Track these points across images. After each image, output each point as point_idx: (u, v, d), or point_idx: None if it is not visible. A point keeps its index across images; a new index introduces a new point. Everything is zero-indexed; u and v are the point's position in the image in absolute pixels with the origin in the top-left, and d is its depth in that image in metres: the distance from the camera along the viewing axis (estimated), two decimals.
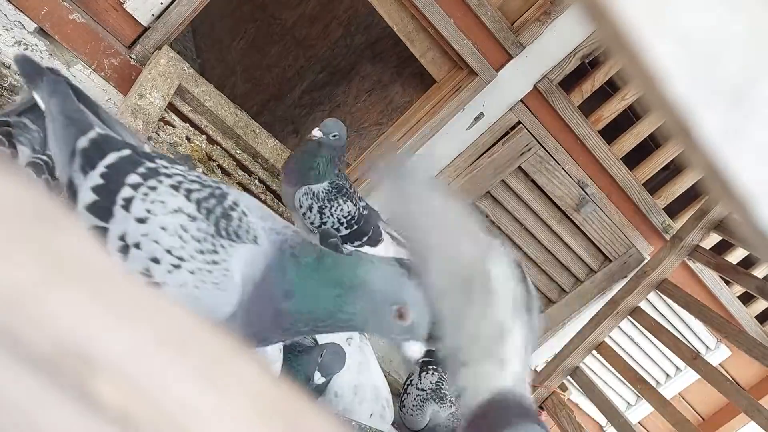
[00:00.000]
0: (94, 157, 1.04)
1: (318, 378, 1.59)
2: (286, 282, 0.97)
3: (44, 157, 1.31)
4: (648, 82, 0.26)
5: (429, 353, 2.26)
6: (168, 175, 1.04)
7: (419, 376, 2.15)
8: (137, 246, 0.99)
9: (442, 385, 2.10)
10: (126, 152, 1.06)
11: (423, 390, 2.09)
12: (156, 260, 0.98)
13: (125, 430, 0.23)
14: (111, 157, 1.04)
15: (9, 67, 1.98)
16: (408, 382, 2.18)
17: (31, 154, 1.31)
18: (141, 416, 0.23)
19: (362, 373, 1.70)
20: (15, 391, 0.22)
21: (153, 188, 1.02)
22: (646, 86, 0.26)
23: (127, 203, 1.00)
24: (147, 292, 0.28)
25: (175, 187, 1.03)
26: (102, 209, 1.02)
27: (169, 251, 0.98)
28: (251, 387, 0.29)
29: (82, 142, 1.05)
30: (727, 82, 0.25)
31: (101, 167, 1.03)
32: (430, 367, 2.18)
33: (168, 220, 0.99)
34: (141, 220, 0.99)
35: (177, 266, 0.98)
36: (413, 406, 2.07)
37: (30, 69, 1.13)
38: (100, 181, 1.03)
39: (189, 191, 1.03)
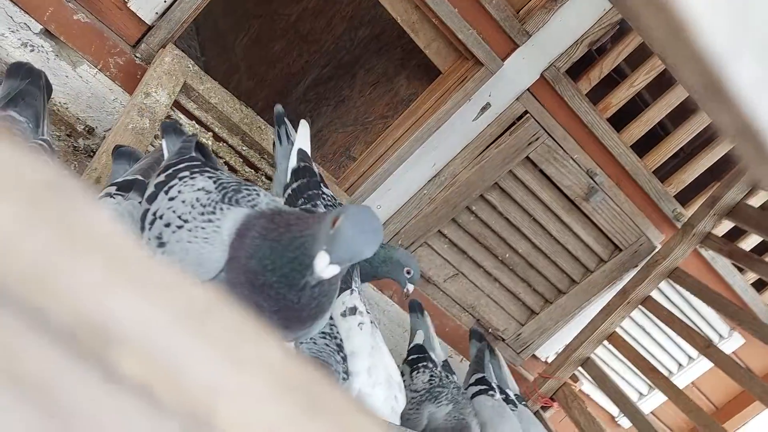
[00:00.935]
0: (172, 165, 1.27)
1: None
2: (252, 242, 1.06)
3: (41, 141, 1.35)
4: (676, 33, 0.25)
5: (418, 349, 2.15)
6: (213, 172, 1.24)
7: (410, 376, 2.05)
8: (161, 217, 1.16)
9: (435, 382, 2.00)
10: (196, 163, 1.27)
11: (416, 391, 1.99)
12: (168, 224, 1.14)
13: (147, 403, 0.23)
14: (181, 165, 1.26)
15: None
16: None
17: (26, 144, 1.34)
18: (162, 389, 0.23)
19: (375, 357, 1.69)
20: (35, 362, 0.21)
21: (193, 177, 1.21)
22: (674, 38, 0.25)
23: (169, 189, 1.21)
24: (164, 268, 0.27)
25: (211, 177, 1.21)
26: (153, 196, 1.23)
27: (179, 216, 1.14)
28: (270, 364, 0.28)
29: (174, 160, 1.30)
30: (763, 30, 0.24)
31: (171, 170, 1.25)
32: (420, 365, 2.07)
33: (189, 195, 1.17)
34: (171, 198, 1.18)
35: (180, 227, 1.12)
36: (409, 409, 1.94)
37: (171, 128, 1.50)
38: (162, 179, 1.24)
39: (219, 178, 1.21)
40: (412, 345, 2.21)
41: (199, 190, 1.18)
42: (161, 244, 1.14)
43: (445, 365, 2.15)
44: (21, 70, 1.56)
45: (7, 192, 0.23)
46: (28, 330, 0.21)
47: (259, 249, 1.04)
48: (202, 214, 1.12)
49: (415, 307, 2.34)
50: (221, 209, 1.11)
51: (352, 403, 0.32)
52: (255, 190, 1.18)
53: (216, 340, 0.26)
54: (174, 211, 1.15)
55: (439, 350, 2.24)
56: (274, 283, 1.02)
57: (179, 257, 1.10)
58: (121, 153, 1.71)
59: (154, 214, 1.19)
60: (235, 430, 0.24)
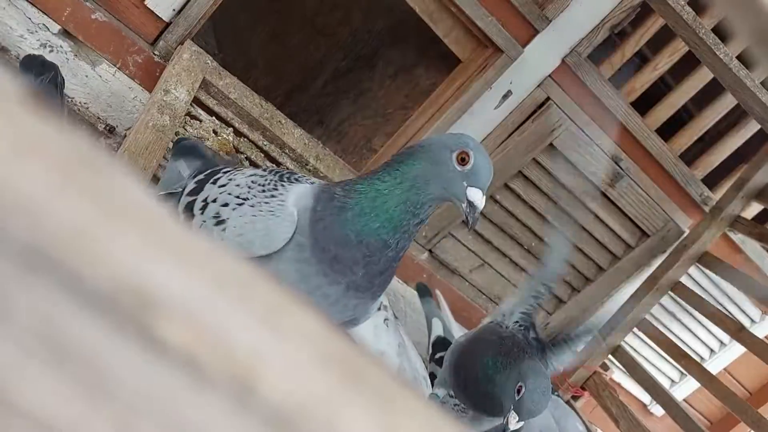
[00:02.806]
0: (203, 172, 1.31)
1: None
2: (340, 201, 1.05)
3: None
4: None
5: (442, 343, 2.09)
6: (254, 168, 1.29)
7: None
8: (214, 201, 1.17)
9: None
10: (227, 169, 1.30)
11: None
12: (225, 204, 1.14)
13: (191, 370, 0.22)
14: (209, 172, 1.29)
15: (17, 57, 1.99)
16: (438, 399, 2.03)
17: None
18: (205, 356, 0.22)
19: (402, 355, 1.68)
20: (74, 330, 0.20)
21: (236, 171, 1.24)
22: None
23: (216, 180, 1.22)
24: (201, 239, 0.26)
25: (254, 167, 1.29)
26: (196, 190, 1.24)
27: (237, 196, 1.14)
28: (311, 334, 0.28)
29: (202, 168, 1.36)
30: None
31: (202, 175, 1.29)
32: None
33: (242, 180, 1.17)
34: (222, 185, 1.19)
35: (240, 204, 1.12)
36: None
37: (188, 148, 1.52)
38: (202, 177, 1.28)
39: (265, 168, 1.26)
40: (434, 338, 2.16)
41: (251, 175, 1.17)
42: (220, 222, 1.12)
43: None
44: (34, 65, 1.53)
45: (42, 158, 0.23)
46: (65, 296, 0.21)
47: (348, 207, 1.03)
48: (263, 191, 1.11)
49: (423, 292, 2.28)
50: (282, 185, 1.11)
51: (393, 378, 0.32)
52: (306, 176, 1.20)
53: (257, 308, 0.25)
54: (230, 193, 1.14)
55: (458, 331, 2.21)
56: (373, 240, 1.01)
57: (242, 231, 1.09)
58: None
59: (205, 200, 1.18)
60: (280, 397, 0.23)
